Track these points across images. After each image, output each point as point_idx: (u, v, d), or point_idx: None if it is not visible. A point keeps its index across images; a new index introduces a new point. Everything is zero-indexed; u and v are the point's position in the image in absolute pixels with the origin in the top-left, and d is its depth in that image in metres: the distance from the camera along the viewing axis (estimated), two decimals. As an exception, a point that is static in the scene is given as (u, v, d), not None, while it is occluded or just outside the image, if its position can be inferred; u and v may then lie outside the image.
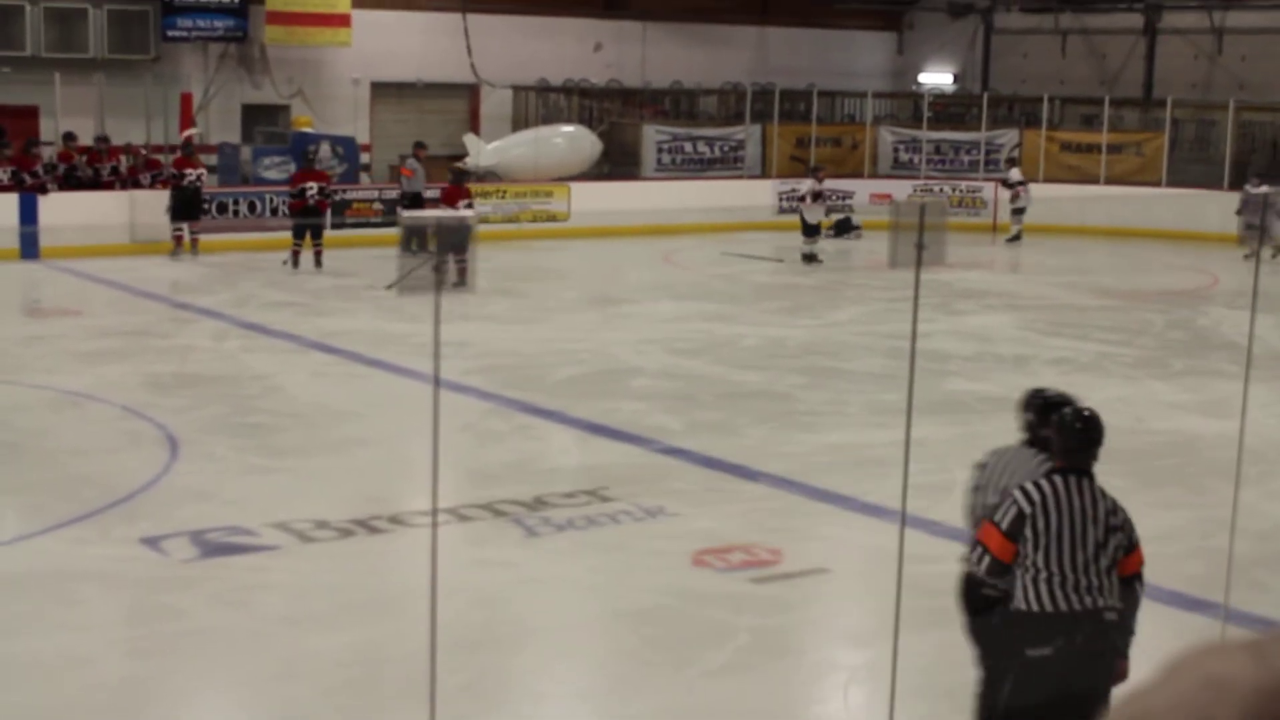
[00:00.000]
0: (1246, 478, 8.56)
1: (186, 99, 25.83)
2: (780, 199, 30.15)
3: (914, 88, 36.37)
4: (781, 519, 10.57)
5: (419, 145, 24.95)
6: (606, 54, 32.79)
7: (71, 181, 23.77)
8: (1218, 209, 26.93)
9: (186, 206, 23.29)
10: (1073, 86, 33.79)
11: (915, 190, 27.38)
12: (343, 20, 28.45)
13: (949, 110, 34.07)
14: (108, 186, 23.87)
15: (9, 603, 8.65)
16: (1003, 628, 6.08)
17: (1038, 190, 29.73)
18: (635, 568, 9.50)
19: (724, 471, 11.71)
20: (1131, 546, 6.12)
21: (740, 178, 30.79)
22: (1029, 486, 6.04)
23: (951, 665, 8.12)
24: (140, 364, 15.46)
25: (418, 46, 30.21)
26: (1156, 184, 29.57)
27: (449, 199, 21.89)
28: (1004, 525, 5.97)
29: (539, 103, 32.01)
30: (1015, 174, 28.48)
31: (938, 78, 37.09)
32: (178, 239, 23.31)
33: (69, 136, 24.28)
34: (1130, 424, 13.77)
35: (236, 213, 24.85)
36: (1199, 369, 16.57)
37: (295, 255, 22.30)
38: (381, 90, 30.39)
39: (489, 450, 12.29)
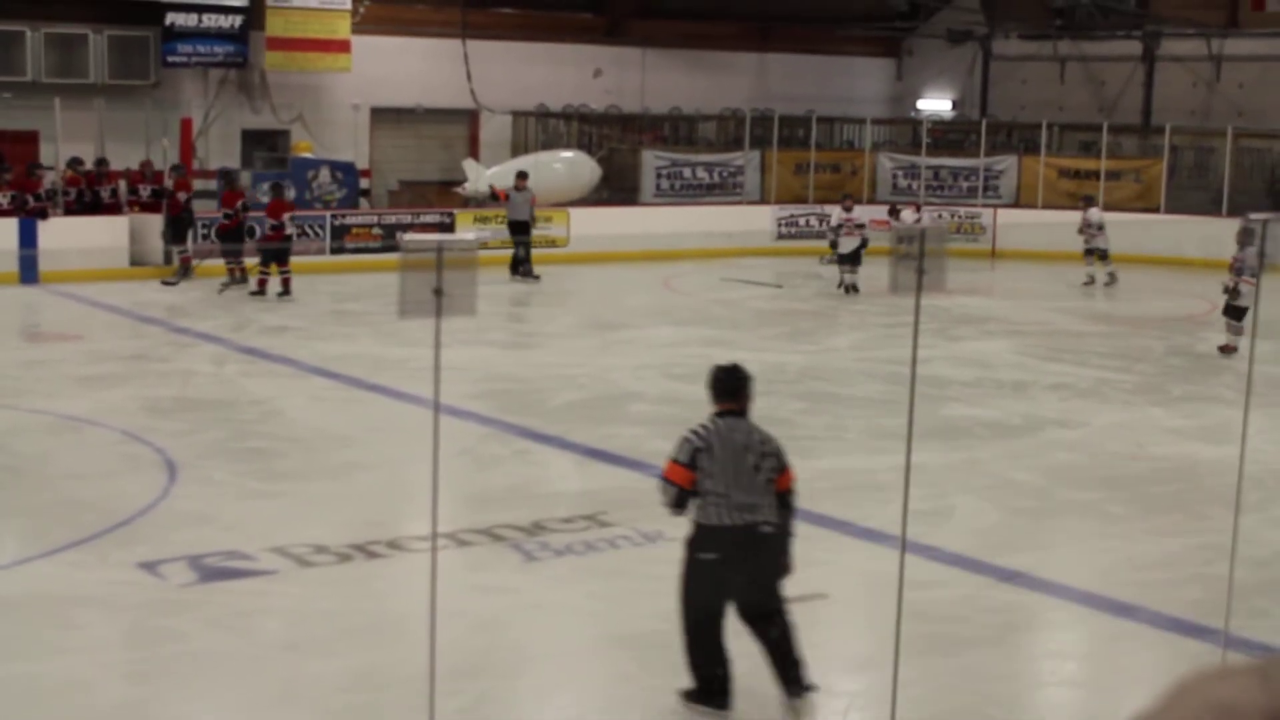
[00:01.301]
0: (1246, 504, 8.55)
1: (186, 124, 25.88)
2: (779, 225, 30.20)
3: (913, 114, 36.44)
4: (781, 544, 10.54)
5: (521, 175, 25.26)
6: (606, 80, 32.86)
7: (80, 206, 23.82)
8: (1217, 235, 26.94)
9: (184, 229, 23.38)
10: (1071, 113, 33.85)
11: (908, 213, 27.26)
12: (343, 46, 28.51)
13: (948, 137, 34.13)
14: (108, 210, 23.89)
15: (7, 626, 8.63)
16: (689, 539, 7.51)
17: (1035, 216, 29.81)
18: (634, 593, 9.48)
19: (723, 497, 11.68)
20: (782, 468, 7.57)
21: (739, 203, 30.83)
22: (697, 428, 7.49)
23: (951, 691, 8.11)
24: (139, 388, 15.45)
25: (418, 72, 30.26)
26: (1155, 210, 29.61)
27: (228, 202, 22.94)
28: (683, 460, 7.38)
29: (538, 128, 32.06)
30: (1095, 214, 26.65)
31: (936, 104, 37.16)
32: (185, 261, 23.35)
33: (75, 161, 24.31)
34: (1130, 450, 13.78)
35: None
36: (1198, 395, 16.56)
37: (263, 284, 22.29)
38: (381, 116, 30.44)
39: (488, 475, 12.28)
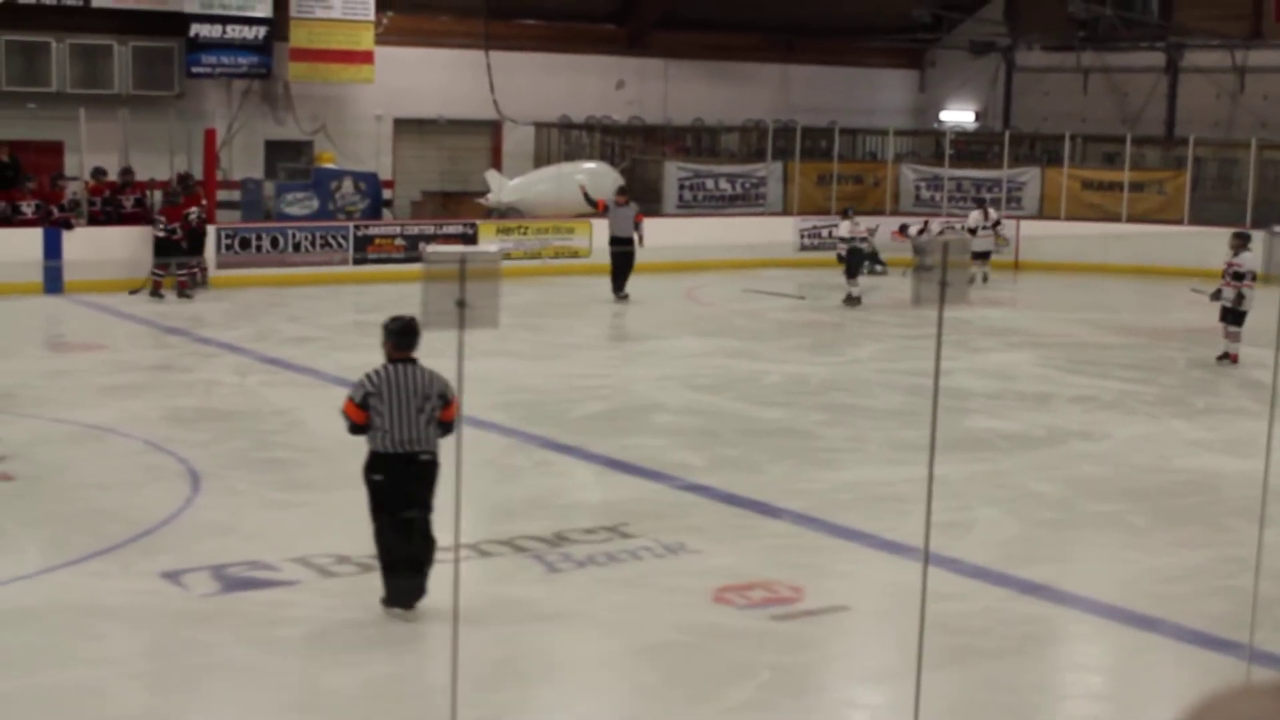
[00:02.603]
0: (1271, 516, 8.53)
1: (210, 135, 25.92)
2: (801, 236, 30.19)
3: (935, 125, 36.38)
4: (803, 556, 10.55)
5: (622, 191, 25.32)
6: (629, 91, 32.87)
7: (105, 217, 23.90)
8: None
9: (198, 242, 23.49)
10: (1094, 124, 33.77)
11: (919, 226, 27.25)
12: (366, 57, 28.57)
13: (970, 148, 34.07)
14: (131, 219, 23.97)
15: (30, 636, 8.66)
16: (365, 463, 8.97)
17: (1058, 228, 29.75)
18: (656, 604, 9.47)
19: (745, 508, 11.69)
20: (446, 404, 8.83)
21: (762, 214, 30.82)
22: (371, 373, 8.96)
23: (973, 704, 8.09)
24: (162, 398, 15.50)
25: (440, 83, 30.31)
26: (1179, 222, 29.52)
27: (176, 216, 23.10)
28: (356, 400, 8.89)
29: (561, 139, 32.08)
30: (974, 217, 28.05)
31: (959, 115, 37.11)
32: (193, 274, 23.42)
33: (99, 172, 24.42)
34: (1153, 462, 13.74)
35: (259, 248, 24.95)
36: (1221, 407, 16.51)
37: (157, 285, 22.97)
38: (404, 126, 30.49)
39: (510, 486, 12.28)
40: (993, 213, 28.33)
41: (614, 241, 24.17)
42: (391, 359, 8.98)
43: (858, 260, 24.48)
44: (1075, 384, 17.43)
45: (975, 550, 10.61)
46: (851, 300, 23.96)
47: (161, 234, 23.02)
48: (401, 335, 8.98)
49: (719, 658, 8.51)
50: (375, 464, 8.91)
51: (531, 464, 13.15)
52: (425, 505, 8.97)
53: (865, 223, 25.83)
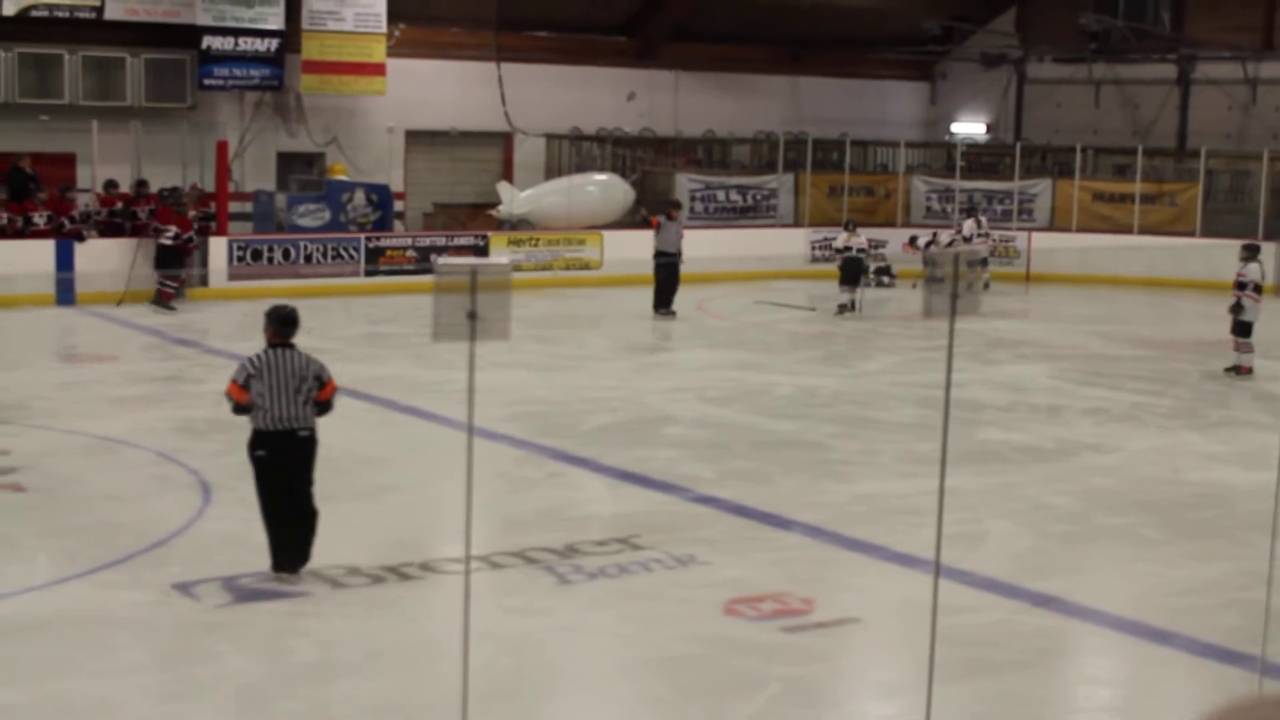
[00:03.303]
0: (1283, 529, 8.48)
1: (222, 147, 25.96)
2: (813, 247, 30.20)
3: (947, 137, 36.39)
4: (814, 568, 10.53)
5: (675, 205, 25.36)
6: (640, 103, 32.89)
7: (112, 228, 23.96)
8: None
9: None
10: (1106, 137, 33.75)
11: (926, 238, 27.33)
12: (377, 69, 28.62)
13: (982, 160, 34.05)
14: (143, 231, 24.00)
15: (41, 647, 8.66)
16: (249, 440, 9.77)
17: (1070, 240, 29.72)
18: (667, 616, 9.46)
19: (756, 520, 11.68)
20: (322, 385, 9.79)
21: (773, 226, 30.83)
22: (252, 357, 9.77)
23: (985, 717, 8.07)
24: (174, 409, 15.52)
25: (452, 95, 30.36)
26: (1191, 234, 29.48)
27: (164, 219, 23.28)
28: (239, 381, 9.66)
29: (572, 151, 32.11)
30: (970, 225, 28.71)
31: (970, 127, 37.11)
32: (181, 284, 23.53)
33: (110, 184, 24.47)
34: (1166, 475, 13.71)
35: (271, 260, 25.00)
36: (1234, 420, 16.48)
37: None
38: (416, 138, 30.54)
39: (521, 497, 12.28)
40: (983, 220, 28.69)
41: (659, 255, 23.92)
42: (271, 344, 9.83)
43: (852, 269, 24.56)
44: (1087, 396, 17.40)
45: (987, 563, 10.59)
46: (842, 308, 24.05)
47: (169, 242, 23.15)
48: (281, 324, 9.91)
49: (729, 670, 8.50)
50: (257, 441, 9.73)
51: (543, 476, 13.14)
52: (305, 479, 9.86)
53: (866, 234, 25.98)
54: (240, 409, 9.71)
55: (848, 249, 24.66)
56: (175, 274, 23.26)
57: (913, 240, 27.15)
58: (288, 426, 9.67)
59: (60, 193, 24.29)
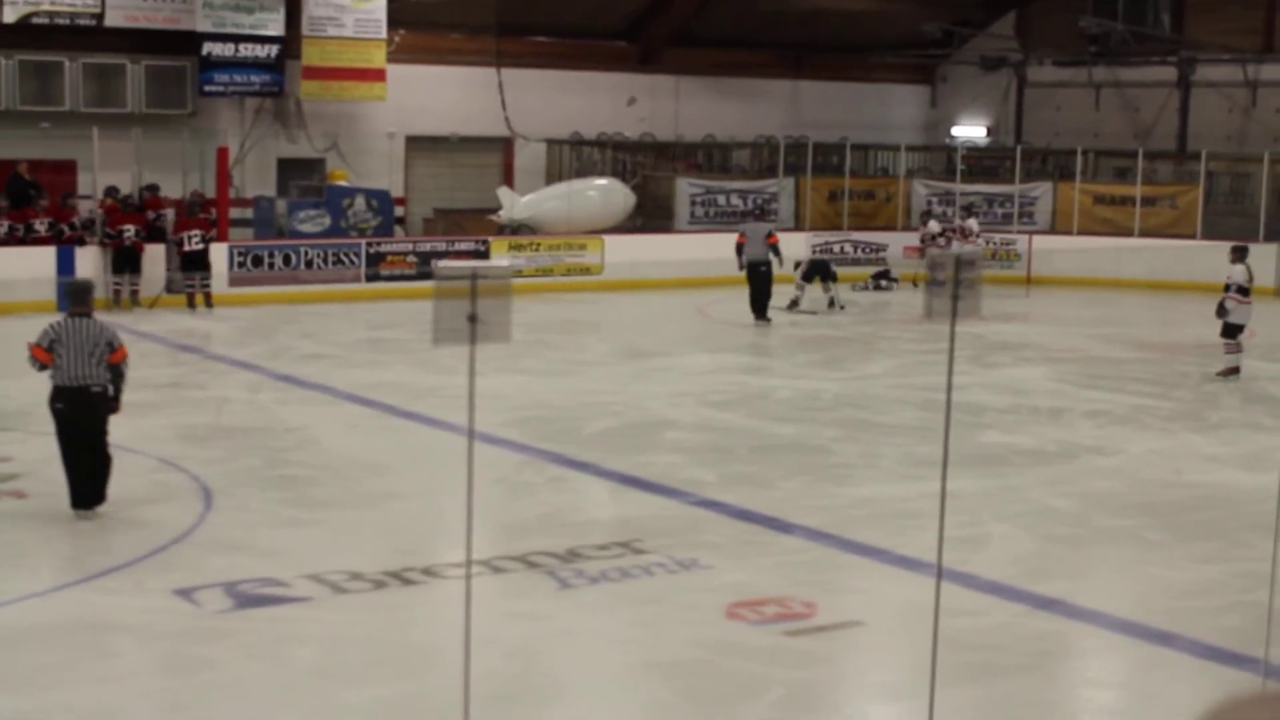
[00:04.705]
0: (1285, 531, 8.48)
1: (223, 153, 25.98)
2: (813, 251, 30.18)
3: (947, 141, 36.40)
4: (815, 572, 10.52)
5: (760, 210, 25.65)
6: (640, 108, 32.92)
7: (115, 234, 23.96)
8: (1255, 261, 26.79)
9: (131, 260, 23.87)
10: (1106, 139, 33.76)
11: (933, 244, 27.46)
12: (378, 75, 28.64)
13: (982, 163, 34.07)
14: (152, 237, 24.01)
15: (43, 653, 8.66)
16: (49, 395, 11.32)
17: (1070, 243, 29.73)
18: (669, 620, 9.45)
19: (758, 524, 11.68)
20: (113, 349, 11.34)
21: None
22: (54, 323, 11.29)
23: (988, 720, 8.05)
24: (175, 416, 15.52)
25: (452, 101, 30.38)
26: (1191, 236, 29.47)
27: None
28: (43, 345, 11.18)
29: (572, 156, 32.13)
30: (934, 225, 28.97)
31: (971, 131, 37.12)
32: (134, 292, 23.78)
33: (111, 190, 24.48)
34: (1167, 477, 13.71)
35: (272, 266, 25.01)
36: (1236, 421, 16.47)
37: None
38: (416, 144, 30.56)
39: (522, 502, 12.28)
40: (975, 224, 29.08)
41: (750, 265, 23.62)
42: (71, 314, 11.33)
43: (813, 270, 25.18)
44: (1089, 399, 17.40)
45: (989, 566, 10.58)
46: (793, 305, 24.35)
47: (195, 247, 23.50)
48: (76, 295, 11.61)
49: (731, 674, 8.49)
50: (57, 395, 11.27)
51: (544, 480, 13.14)
52: (99, 429, 11.37)
53: (826, 237, 27.19)
54: (43, 368, 11.26)
55: (813, 254, 25.35)
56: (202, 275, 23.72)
57: (922, 235, 27.88)
58: (82, 383, 11.18)
59: (61, 200, 24.31)
